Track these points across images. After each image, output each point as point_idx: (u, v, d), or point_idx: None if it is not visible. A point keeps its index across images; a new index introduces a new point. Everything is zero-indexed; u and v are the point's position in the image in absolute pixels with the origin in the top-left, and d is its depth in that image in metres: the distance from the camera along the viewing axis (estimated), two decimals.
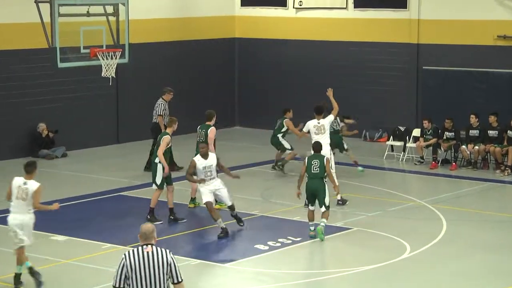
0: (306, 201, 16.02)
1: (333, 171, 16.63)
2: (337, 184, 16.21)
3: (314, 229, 15.37)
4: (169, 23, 25.75)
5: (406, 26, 24.66)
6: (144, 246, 8.56)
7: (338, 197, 17.46)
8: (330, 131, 17.97)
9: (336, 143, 19.51)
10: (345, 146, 20.27)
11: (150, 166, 17.59)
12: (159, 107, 20.64)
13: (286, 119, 20.75)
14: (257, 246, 15.10)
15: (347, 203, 17.53)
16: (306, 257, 15.05)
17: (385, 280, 13.56)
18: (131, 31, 20.91)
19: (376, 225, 16.43)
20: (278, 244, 15.16)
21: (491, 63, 23.28)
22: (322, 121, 17.73)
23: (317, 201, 15.48)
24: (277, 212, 17.37)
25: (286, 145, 20.73)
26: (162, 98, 20.78)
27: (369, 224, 16.47)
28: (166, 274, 8.51)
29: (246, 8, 27.45)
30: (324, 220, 15.35)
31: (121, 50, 20.33)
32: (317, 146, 15.90)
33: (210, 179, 15.65)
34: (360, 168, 20.34)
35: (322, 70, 26.03)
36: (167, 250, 8.61)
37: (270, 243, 15.20)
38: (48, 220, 15.45)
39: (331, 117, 17.89)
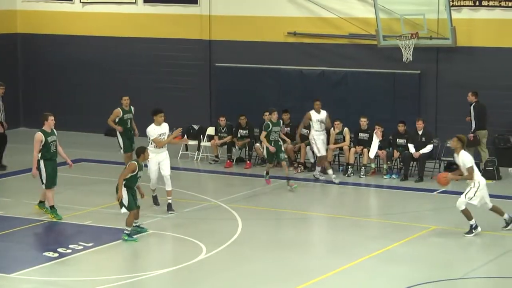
0: None
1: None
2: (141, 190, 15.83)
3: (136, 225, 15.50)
4: None
5: (197, 22, 24.47)
6: None
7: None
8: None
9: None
10: (282, 155, 19.28)
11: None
12: None
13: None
14: (46, 253, 14.55)
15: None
16: (99, 264, 14.52)
17: (182, 283, 13.39)
18: None
19: (171, 227, 16.25)
20: (69, 251, 14.66)
21: (282, 59, 23.52)
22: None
23: None
24: (68, 217, 16.77)
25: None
26: None
27: (165, 226, 16.26)
28: None
29: (29, 2, 26.46)
30: (128, 228, 15.27)
31: None
32: (136, 150, 15.79)
33: None
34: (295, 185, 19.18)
35: (112, 68, 25.50)
36: None
37: (60, 250, 14.69)
38: None
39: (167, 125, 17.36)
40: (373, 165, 20.74)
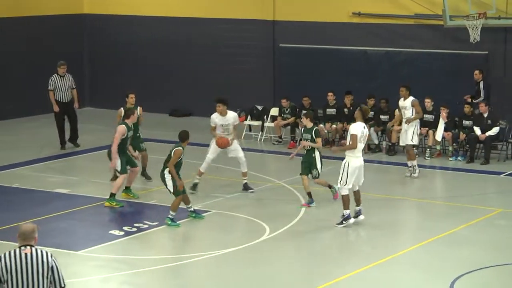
0: None
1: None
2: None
3: (192, 211, 15.37)
4: None
5: (260, 3, 24.39)
6: (22, 247, 8.01)
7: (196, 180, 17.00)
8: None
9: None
10: (314, 173, 16.10)
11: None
12: (49, 82, 20.77)
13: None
14: (112, 231, 14.71)
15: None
16: (164, 242, 14.71)
17: (245, 263, 13.39)
18: None
19: (235, 207, 16.27)
20: (134, 229, 14.80)
21: (346, 40, 23.34)
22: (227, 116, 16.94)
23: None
24: (131, 197, 16.85)
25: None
26: (57, 74, 20.76)
27: (228, 206, 16.29)
28: (47, 278, 7.98)
29: None
30: (172, 212, 15.00)
31: None
32: (179, 134, 15.18)
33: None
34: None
35: (177, 48, 25.61)
36: (48, 252, 8.10)
37: (125, 228, 14.84)
38: None
39: (235, 116, 17.06)
40: (438, 147, 20.52)
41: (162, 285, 12.71)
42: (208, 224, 15.32)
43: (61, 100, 20.87)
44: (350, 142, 14.56)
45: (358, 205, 15.05)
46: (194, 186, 16.95)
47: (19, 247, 8.02)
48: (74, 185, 17.68)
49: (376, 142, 21.09)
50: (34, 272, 7.94)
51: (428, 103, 20.54)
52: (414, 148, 18.99)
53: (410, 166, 18.53)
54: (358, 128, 14.61)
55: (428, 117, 20.51)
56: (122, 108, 17.38)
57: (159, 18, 25.79)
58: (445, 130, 20.13)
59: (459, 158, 20.14)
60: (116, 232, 14.61)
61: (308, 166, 16.06)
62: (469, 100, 20.69)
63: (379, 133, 21.19)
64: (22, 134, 23.10)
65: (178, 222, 15.04)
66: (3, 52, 24.46)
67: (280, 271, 12.98)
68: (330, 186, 16.48)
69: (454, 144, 20.32)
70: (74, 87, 21.08)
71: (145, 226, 14.95)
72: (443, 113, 20.09)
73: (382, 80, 22.44)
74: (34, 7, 25.27)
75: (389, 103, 20.97)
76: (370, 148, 20.99)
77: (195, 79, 25.38)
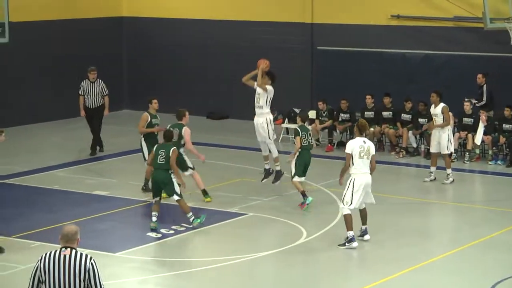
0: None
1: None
2: (181, 177, 15.25)
3: (156, 220, 14.90)
4: (51, 1, 24.84)
5: (299, 5, 24.33)
6: (63, 249, 8.10)
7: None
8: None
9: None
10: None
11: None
12: (80, 87, 20.63)
13: None
14: (150, 234, 14.76)
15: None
16: (200, 245, 14.74)
17: (281, 266, 13.41)
18: (12, 9, 20.12)
19: (272, 209, 16.25)
20: (172, 232, 14.85)
21: (385, 43, 23.21)
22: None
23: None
24: (170, 198, 16.73)
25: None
26: (88, 79, 20.58)
27: (266, 209, 16.27)
28: (83, 281, 8.01)
29: None
30: (188, 214, 14.93)
31: (0, 28, 19.61)
32: (167, 134, 15.23)
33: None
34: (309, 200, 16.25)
35: (214, 51, 25.61)
36: (88, 256, 8.14)
37: (163, 230, 14.88)
38: None
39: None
40: (477, 151, 20.33)
41: (199, 287, 12.70)
42: (245, 227, 15.32)
43: (89, 106, 20.62)
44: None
45: (364, 223, 14.27)
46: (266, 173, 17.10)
47: (60, 248, 8.09)
48: (112, 187, 17.77)
49: (415, 145, 20.94)
50: (71, 274, 7.97)
51: (467, 106, 20.36)
52: (453, 153, 18.80)
53: (448, 174, 18.24)
54: (352, 146, 13.92)
55: (467, 120, 20.34)
56: (146, 113, 17.24)
57: (196, 21, 25.83)
58: (485, 133, 19.92)
59: (498, 162, 19.93)
60: (154, 235, 14.65)
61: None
62: (473, 103, 20.49)
63: (418, 136, 21.03)
64: (63, 136, 23.28)
65: (200, 215, 15.09)
66: (42, 54, 24.65)
67: (316, 274, 12.95)
68: (303, 194, 16.07)
69: (494, 148, 20.11)
70: (105, 93, 20.71)
71: (182, 228, 14.98)
72: (483, 116, 19.89)
73: (421, 83, 22.25)
74: (74, 10, 25.42)
75: (427, 106, 20.77)
76: (408, 151, 20.86)
77: (232, 81, 25.33)
